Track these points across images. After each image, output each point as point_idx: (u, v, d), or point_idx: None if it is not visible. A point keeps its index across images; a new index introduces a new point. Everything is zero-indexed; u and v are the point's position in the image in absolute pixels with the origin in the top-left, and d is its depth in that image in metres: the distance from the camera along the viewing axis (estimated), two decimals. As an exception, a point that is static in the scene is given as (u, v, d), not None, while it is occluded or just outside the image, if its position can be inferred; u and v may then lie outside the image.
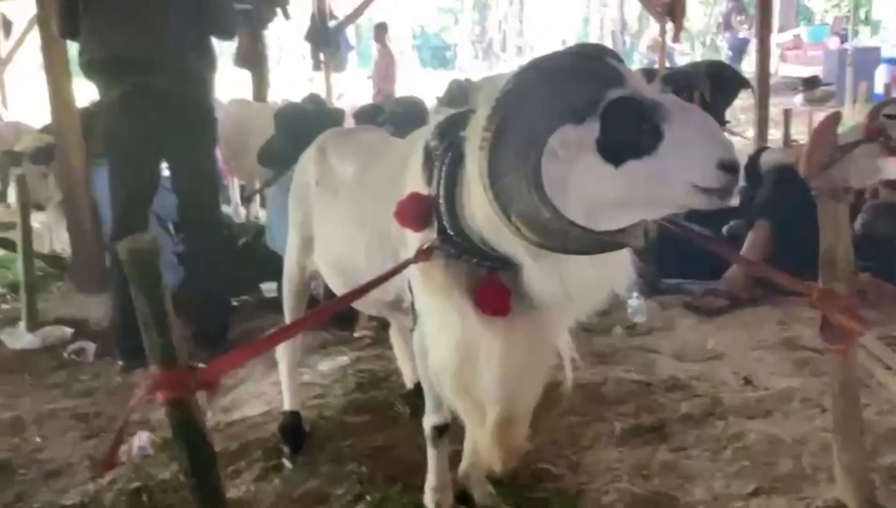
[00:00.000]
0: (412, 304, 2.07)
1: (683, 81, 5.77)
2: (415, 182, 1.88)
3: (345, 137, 2.63)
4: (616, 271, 1.73)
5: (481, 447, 1.99)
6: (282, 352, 2.77)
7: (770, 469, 2.42)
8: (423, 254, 1.81)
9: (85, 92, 4.62)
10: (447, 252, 1.79)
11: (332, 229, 2.43)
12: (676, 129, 1.48)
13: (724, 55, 16.30)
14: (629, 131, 1.50)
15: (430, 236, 1.83)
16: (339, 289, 2.44)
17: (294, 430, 2.74)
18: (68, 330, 4.18)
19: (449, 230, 1.77)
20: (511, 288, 1.75)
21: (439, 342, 1.90)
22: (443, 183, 1.77)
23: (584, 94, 1.54)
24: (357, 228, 2.27)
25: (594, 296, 1.75)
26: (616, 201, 1.56)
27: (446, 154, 1.78)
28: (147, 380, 1.95)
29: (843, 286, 1.94)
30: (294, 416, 2.78)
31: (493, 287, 1.77)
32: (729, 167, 1.46)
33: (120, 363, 3.72)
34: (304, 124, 4.04)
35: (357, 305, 2.46)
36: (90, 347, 3.95)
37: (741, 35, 15.57)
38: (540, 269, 1.64)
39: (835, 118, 4.55)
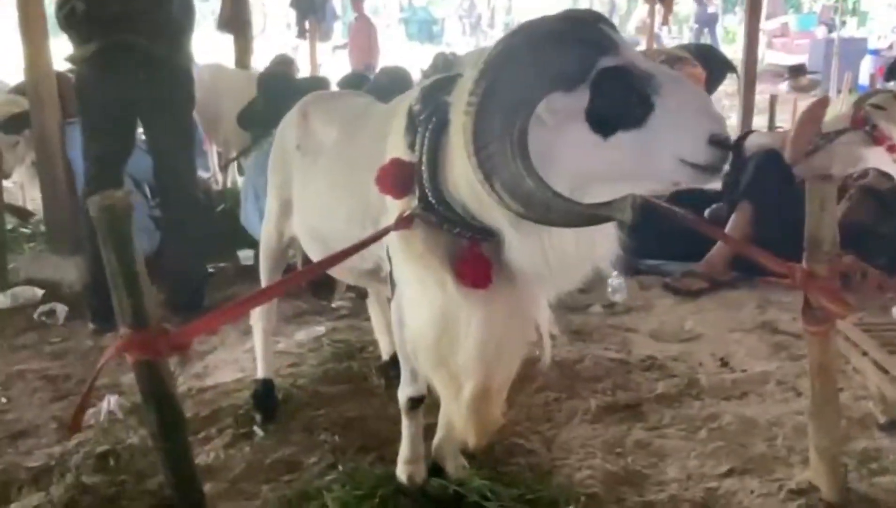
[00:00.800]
0: (390, 273, 2.03)
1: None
2: (397, 148, 1.83)
3: (328, 100, 2.57)
4: (600, 247, 1.70)
5: (456, 420, 1.96)
6: (257, 319, 2.73)
7: (744, 451, 2.42)
8: (404, 222, 1.77)
9: (61, 50, 4.51)
10: (428, 221, 1.74)
11: (311, 195, 2.38)
12: (667, 101, 1.45)
13: (691, 27, 16.44)
14: (619, 102, 1.47)
15: (411, 203, 1.78)
16: (317, 256, 2.39)
17: (266, 398, 2.70)
18: (39, 291, 4.11)
19: (431, 198, 1.72)
20: (492, 260, 1.72)
21: (417, 312, 1.87)
22: (426, 149, 1.72)
23: (575, 60, 1.50)
24: (337, 194, 2.22)
25: (576, 271, 1.72)
26: (602, 173, 1.53)
27: (430, 119, 1.73)
28: (116, 341, 1.91)
29: (826, 269, 1.92)
30: (267, 384, 2.74)
31: (473, 258, 1.73)
32: (719, 143, 1.43)
33: (91, 325, 3.66)
34: (287, 89, 3.96)
35: (335, 273, 2.42)
36: (61, 309, 3.88)
37: (710, 10, 15.68)
38: (522, 241, 1.61)
39: (822, 104, 4.54)
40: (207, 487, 2.24)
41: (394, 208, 1.84)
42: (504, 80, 1.46)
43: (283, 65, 5.22)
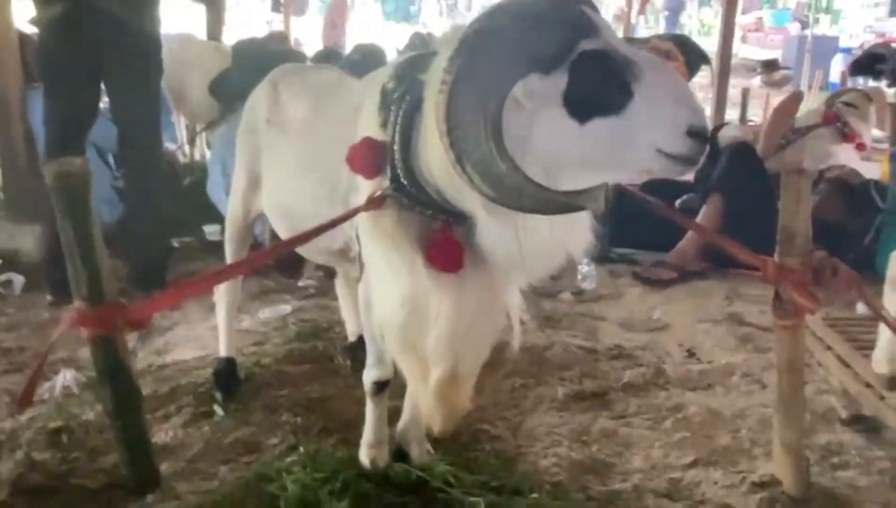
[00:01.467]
0: (359, 253, 1.98)
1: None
2: (369, 126, 1.77)
3: (298, 73, 2.49)
4: (573, 235, 1.67)
5: (423, 405, 1.92)
6: (220, 295, 2.66)
7: (709, 442, 2.42)
8: (374, 202, 1.72)
9: (22, 12, 4.35)
10: (399, 202, 1.70)
11: (280, 171, 2.31)
12: (647, 89, 1.41)
13: (665, 17, 16.55)
14: (598, 87, 1.43)
15: (382, 183, 1.73)
16: (284, 233, 2.33)
17: (228, 377, 2.65)
18: (-5, 260, 3.98)
19: (402, 179, 1.67)
20: (464, 244, 1.67)
21: (386, 294, 1.82)
22: (398, 128, 1.67)
23: (554, 42, 1.45)
24: (306, 171, 2.16)
25: (549, 258, 1.68)
26: (577, 159, 1.49)
27: (403, 98, 1.68)
28: (70, 314, 1.85)
29: (798, 263, 1.91)
30: (229, 362, 2.68)
31: (445, 241, 1.68)
32: (697, 134, 1.40)
33: (49, 297, 3.56)
34: (262, 60, 3.86)
35: (303, 252, 2.36)
36: (18, 279, 3.77)
37: None
38: (495, 226, 1.57)
39: (796, 99, 4.58)
40: (164, 466, 2.20)
41: (365, 187, 1.79)
42: (480, 59, 1.41)
43: (278, 42, 5.10)
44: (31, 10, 3.51)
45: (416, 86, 1.62)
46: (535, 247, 1.60)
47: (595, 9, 1.55)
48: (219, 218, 4.43)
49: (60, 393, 2.62)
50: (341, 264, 2.41)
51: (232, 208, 2.60)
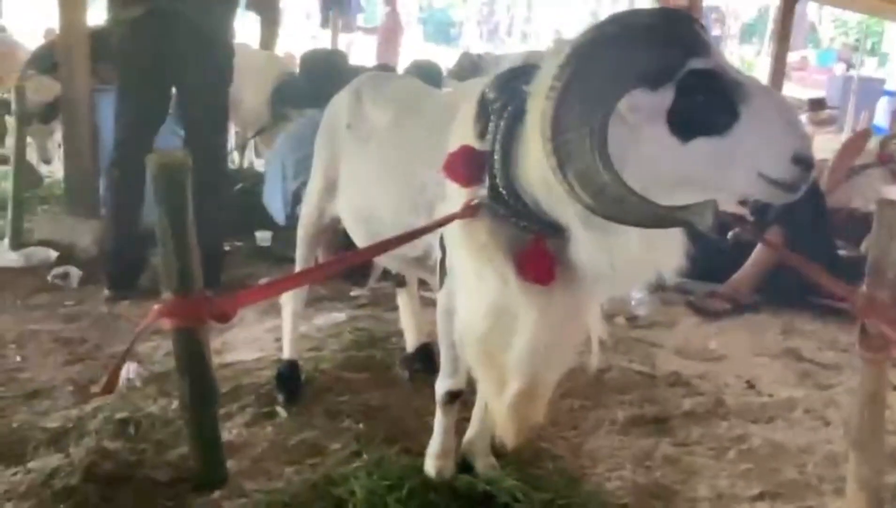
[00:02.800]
0: (440, 261, 1.99)
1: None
2: (464, 135, 1.79)
3: (382, 82, 2.52)
4: (666, 253, 1.66)
5: (497, 418, 1.92)
6: (287, 298, 2.67)
7: (774, 475, 2.38)
8: (470, 210, 1.73)
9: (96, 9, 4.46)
10: (494, 212, 1.70)
11: (359, 177, 2.33)
12: (754, 112, 1.41)
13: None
14: (704, 107, 1.43)
15: (477, 192, 1.74)
16: (361, 238, 2.34)
17: (291, 379, 2.65)
18: (53, 253, 4.06)
19: (501, 189, 1.68)
20: (556, 257, 1.67)
21: (471, 303, 1.82)
22: (499, 137, 1.67)
23: (663, 58, 1.45)
24: (389, 177, 2.18)
25: (640, 275, 1.68)
26: (677, 177, 1.49)
27: (505, 108, 1.68)
28: (158, 304, 1.87)
29: (889, 296, 1.89)
30: (292, 365, 2.68)
31: (538, 253, 1.68)
32: (803, 161, 1.40)
33: (106, 291, 3.61)
34: (329, 70, 3.92)
35: (379, 258, 2.38)
36: (75, 272, 3.83)
37: (714, 32, 15.99)
38: (590, 238, 1.57)
39: (864, 136, 4.54)
40: (230, 464, 2.20)
41: (456, 195, 1.80)
42: (590, 69, 1.42)
43: (341, 56, 5.21)
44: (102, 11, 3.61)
45: (519, 96, 1.62)
46: (626, 262, 1.59)
47: (705, 29, 1.55)
48: (269, 224, 4.49)
49: (124, 386, 2.64)
50: (416, 271, 2.42)
51: (306, 211, 2.62)
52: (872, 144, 5.55)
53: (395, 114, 2.28)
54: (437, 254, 2.00)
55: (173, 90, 3.68)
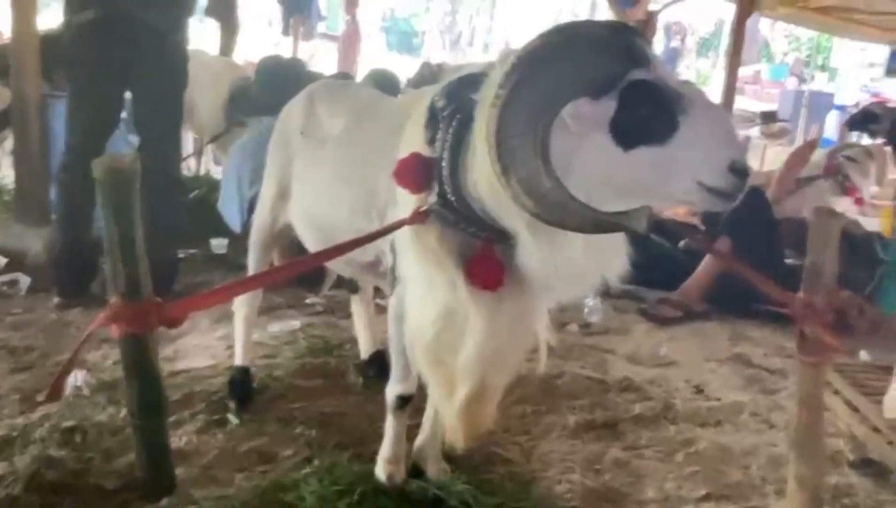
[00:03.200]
0: (391, 268, 2.00)
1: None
2: (414, 142, 1.80)
3: (335, 89, 2.53)
4: (610, 258, 1.70)
5: (446, 421, 1.94)
6: (240, 304, 2.66)
7: (720, 477, 2.43)
8: (419, 216, 1.74)
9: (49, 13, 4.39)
10: (443, 218, 1.72)
11: (313, 182, 2.34)
12: (693, 122, 1.45)
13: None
14: (645, 116, 1.46)
15: (426, 198, 1.76)
16: (313, 245, 2.35)
17: (243, 386, 2.64)
18: (2, 260, 3.96)
19: (450, 195, 1.70)
20: (504, 263, 1.70)
21: (420, 309, 1.83)
22: (448, 145, 1.70)
23: (606, 69, 1.49)
24: (342, 184, 2.18)
25: (584, 280, 1.71)
26: (619, 185, 1.52)
27: (454, 116, 1.71)
28: (105, 310, 1.85)
29: (824, 301, 1.95)
30: (244, 372, 2.67)
31: (486, 259, 1.71)
32: (739, 171, 1.44)
33: (56, 299, 3.53)
34: (285, 77, 3.92)
35: (330, 264, 2.38)
36: (24, 280, 3.74)
37: (672, 44, 16.32)
38: (536, 244, 1.60)
39: (810, 147, 4.67)
40: (179, 471, 2.18)
41: (406, 201, 1.82)
42: (534, 77, 1.44)
43: (300, 65, 5.19)
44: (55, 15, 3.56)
45: (468, 104, 1.65)
46: (572, 268, 1.62)
47: (647, 41, 1.59)
48: (224, 232, 4.45)
49: (71, 393, 2.60)
50: (368, 277, 2.43)
51: (258, 218, 2.61)
52: (818, 156, 5.72)
53: (348, 121, 2.30)
54: (389, 260, 2.02)
55: (126, 95, 3.64)
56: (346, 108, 2.35)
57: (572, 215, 1.46)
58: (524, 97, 1.43)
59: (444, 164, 1.70)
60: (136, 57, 3.39)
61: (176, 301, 1.91)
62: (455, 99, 1.73)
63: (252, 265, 2.63)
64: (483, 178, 1.59)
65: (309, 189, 2.35)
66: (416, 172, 1.75)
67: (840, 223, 1.94)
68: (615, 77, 1.48)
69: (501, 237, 1.67)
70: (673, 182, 1.48)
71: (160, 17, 3.39)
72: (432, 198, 1.74)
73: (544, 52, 1.46)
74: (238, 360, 2.69)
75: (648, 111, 1.46)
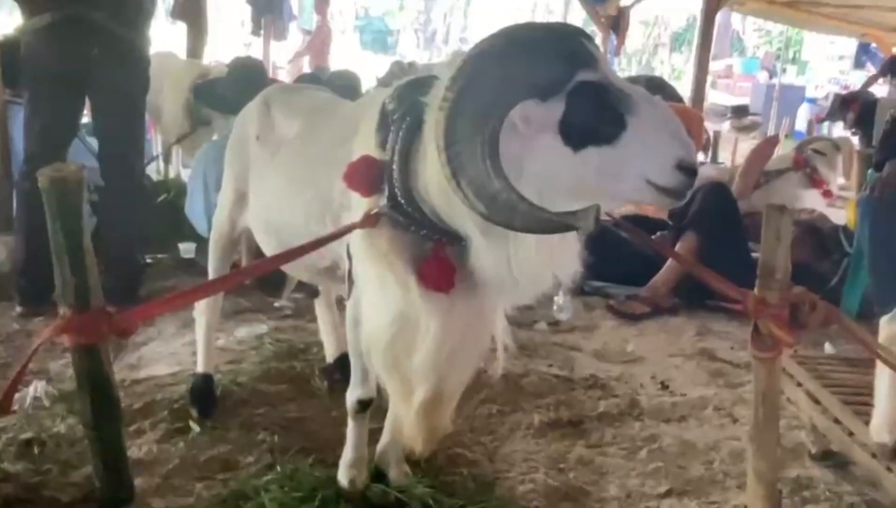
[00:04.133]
0: (348, 271, 1.99)
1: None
2: (366, 145, 1.80)
3: (291, 93, 2.52)
4: (561, 260, 1.70)
5: (405, 425, 1.94)
6: (200, 311, 2.64)
7: (683, 472, 2.45)
8: (369, 220, 1.74)
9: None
10: (394, 221, 1.72)
11: (269, 187, 2.32)
12: (640, 122, 1.46)
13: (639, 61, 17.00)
14: (593, 117, 1.47)
15: (378, 201, 1.75)
16: (271, 250, 2.33)
17: (205, 393, 2.62)
18: (-37, 269, 3.90)
19: (400, 198, 1.70)
20: (456, 265, 1.70)
21: (375, 312, 1.83)
22: (398, 148, 1.69)
23: (553, 71, 1.49)
24: (297, 188, 2.17)
25: (537, 281, 1.71)
26: (569, 185, 1.53)
27: (404, 119, 1.70)
28: (55, 321, 1.82)
29: (777, 297, 1.96)
30: (206, 379, 2.65)
31: (437, 261, 1.71)
32: (686, 169, 1.46)
33: (19, 308, 3.49)
34: (255, 77, 3.90)
35: (289, 269, 2.37)
36: (-15, 289, 3.69)
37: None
38: (488, 246, 1.60)
39: (773, 142, 4.71)
40: (138, 482, 2.15)
41: (358, 205, 1.81)
42: (481, 80, 1.45)
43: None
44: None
45: (417, 107, 1.64)
46: (524, 269, 1.63)
47: (593, 42, 1.60)
48: (193, 236, 4.41)
49: (31, 405, 2.57)
50: (327, 282, 2.42)
51: (217, 223, 2.59)
52: (790, 150, 5.78)
53: (302, 125, 2.28)
54: (345, 264, 2.01)
55: (86, 100, 3.59)
56: (300, 112, 2.34)
57: (521, 216, 1.45)
58: (471, 100, 1.44)
59: (394, 167, 1.69)
60: (94, 61, 3.35)
61: (127, 310, 1.88)
62: (405, 102, 1.72)
63: (212, 271, 2.61)
64: (433, 181, 1.59)
65: (265, 194, 2.34)
66: (365, 175, 1.74)
67: (790, 218, 1.96)
68: (562, 79, 1.49)
69: (453, 239, 1.68)
70: (622, 182, 1.49)
71: (117, 20, 3.35)
72: (383, 201, 1.73)
73: (491, 55, 1.46)
74: (200, 367, 2.67)
75: (596, 112, 1.47)
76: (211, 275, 2.61)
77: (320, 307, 2.90)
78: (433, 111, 1.49)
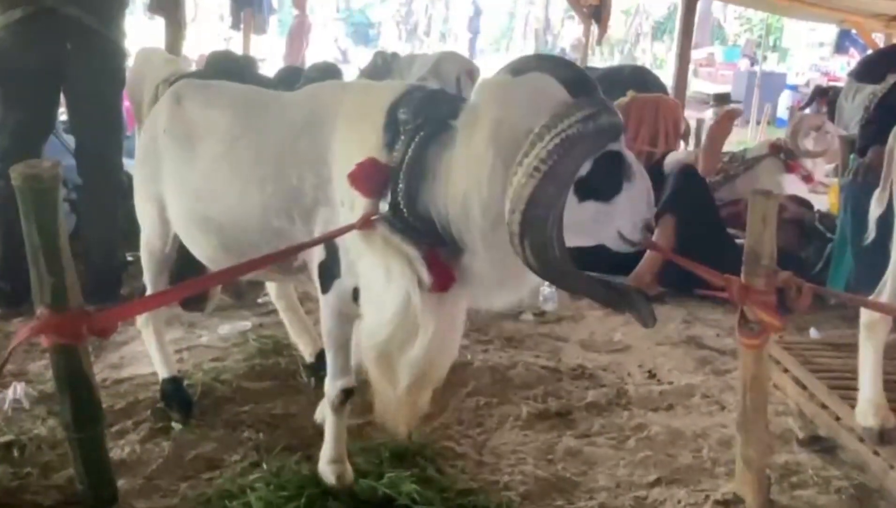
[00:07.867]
0: (322, 264, 2.01)
1: (617, 80, 5.89)
2: (368, 145, 1.83)
3: (205, 86, 2.40)
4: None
5: (389, 407, 2.01)
6: (143, 321, 2.57)
7: (671, 461, 2.44)
8: (369, 223, 1.80)
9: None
10: (391, 225, 1.80)
11: (200, 183, 2.21)
12: (632, 187, 1.74)
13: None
14: (605, 179, 1.72)
15: (377, 203, 1.81)
16: (211, 249, 2.25)
17: (178, 394, 2.55)
18: (-61, 271, 3.83)
19: (402, 206, 1.78)
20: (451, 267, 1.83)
21: (379, 308, 1.88)
22: (409, 158, 1.77)
23: (602, 144, 1.68)
24: (249, 183, 2.08)
25: (521, 287, 1.90)
26: (569, 224, 1.69)
27: (418, 131, 1.78)
28: (32, 322, 1.79)
29: (763, 282, 1.96)
30: (174, 382, 2.58)
31: (436, 264, 1.81)
32: (648, 227, 1.78)
33: (-2, 309, 3.43)
34: (232, 71, 3.84)
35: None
36: (-36, 290, 3.62)
37: None
38: (490, 258, 1.76)
39: (730, 116, 4.74)
40: (121, 483, 2.13)
41: (359, 205, 1.84)
42: (567, 159, 1.59)
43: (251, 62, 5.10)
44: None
45: (439, 125, 1.77)
46: (514, 277, 1.83)
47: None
48: (176, 233, 4.36)
49: (10, 407, 2.52)
50: (290, 280, 2.42)
51: (146, 237, 2.50)
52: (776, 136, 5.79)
53: (237, 116, 2.19)
54: (318, 258, 2.00)
55: (61, 96, 3.53)
56: (223, 104, 2.25)
57: (569, 277, 1.72)
58: (558, 177, 1.59)
59: (401, 176, 1.77)
60: (68, 55, 3.29)
61: (106, 310, 1.85)
62: (421, 115, 1.80)
63: (149, 284, 2.54)
64: (458, 202, 1.72)
65: (190, 191, 2.24)
66: (372, 178, 1.80)
67: (775, 203, 1.95)
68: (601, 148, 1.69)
69: (445, 244, 1.80)
70: (603, 230, 1.78)
71: (91, 14, 3.29)
72: (383, 204, 1.80)
73: (581, 138, 1.59)
74: (163, 373, 2.58)
75: (610, 175, 1.73)
76: (150, 286, 2.54)
77: (284, 311, 2.86)
78: (518, 173, 1.59)
